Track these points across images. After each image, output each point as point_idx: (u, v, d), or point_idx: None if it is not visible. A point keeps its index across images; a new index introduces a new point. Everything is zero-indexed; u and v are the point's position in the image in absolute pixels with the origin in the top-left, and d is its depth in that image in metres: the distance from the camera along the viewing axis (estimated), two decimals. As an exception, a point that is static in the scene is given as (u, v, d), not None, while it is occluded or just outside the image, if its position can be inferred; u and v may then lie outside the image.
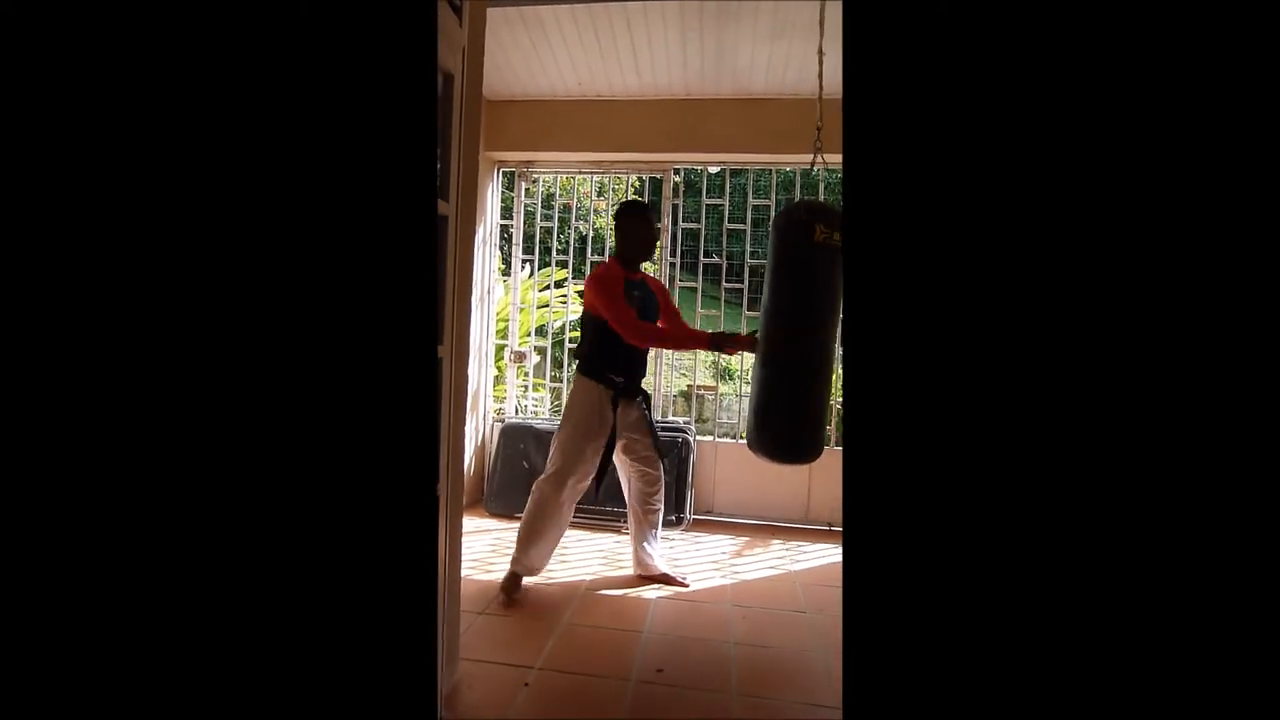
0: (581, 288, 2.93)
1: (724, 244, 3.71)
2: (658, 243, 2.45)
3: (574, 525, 2.97)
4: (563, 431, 2.39)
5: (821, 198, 3.52)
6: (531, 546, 2.35)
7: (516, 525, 2.61)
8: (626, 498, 2.56)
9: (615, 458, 2.46)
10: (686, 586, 2.50)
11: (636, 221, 2.38)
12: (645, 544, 2.55)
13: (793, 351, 1.96)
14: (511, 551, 2.41)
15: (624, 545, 2.98)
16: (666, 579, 2.53)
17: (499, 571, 2.49)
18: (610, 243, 4.63)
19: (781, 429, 2.00)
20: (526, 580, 2.42)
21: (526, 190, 3.78)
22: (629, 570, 2.63)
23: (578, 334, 2.93)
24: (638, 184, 4.56)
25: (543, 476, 2.40)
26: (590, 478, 2.38)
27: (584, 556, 2.86)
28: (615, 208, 2.49)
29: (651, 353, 2.76)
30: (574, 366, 2.45)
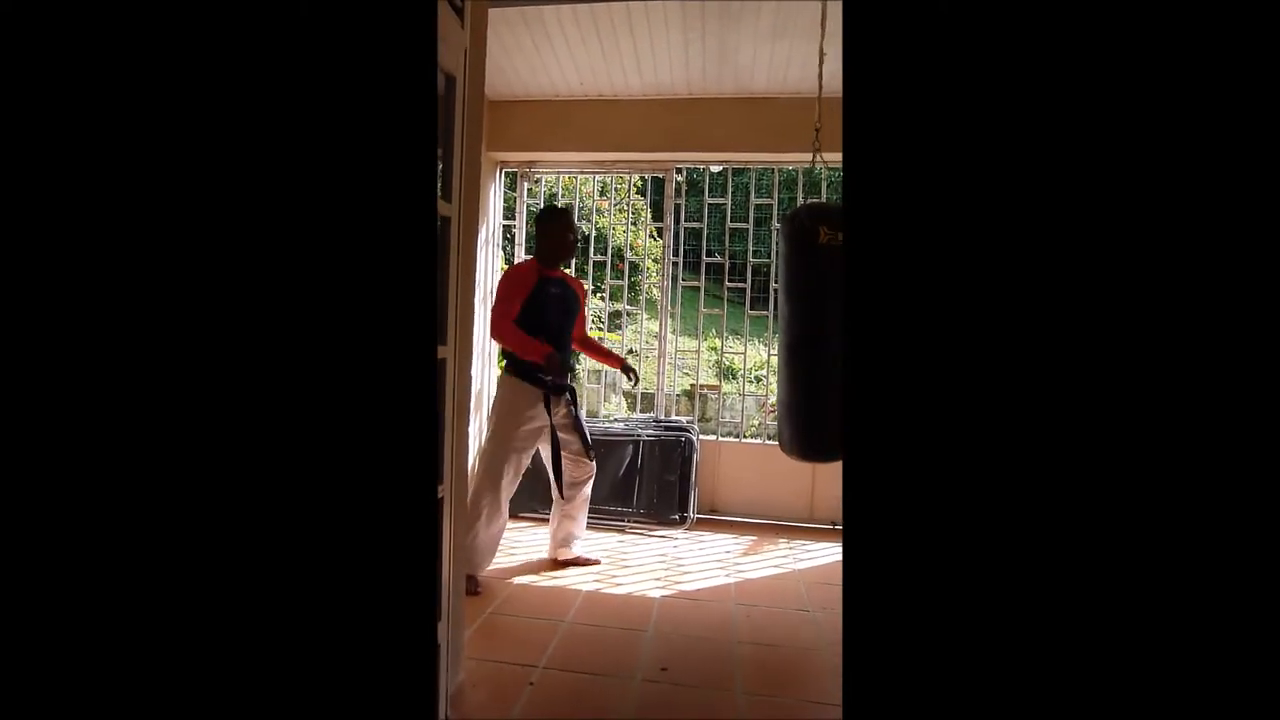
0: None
1: (726, 243, 3.70)
2: (576, 246, 2.63)
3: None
4: (491, 434, 2.45)
5: (824, 197, 3.52)
6: (476, 553, 2.39)
7: (521, 525, 2.62)
8: (554, 491, 2.64)
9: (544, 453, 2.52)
10: (598, 563, 2.70)
11: (555, 226, 2.50)
12: (568, 531, 2.68)
13: (810, 354, 1.97)
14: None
15: (627, 544, 3.01)
16: (581, 560, 2.71)
17: (504, 569, 2.52)
18: (612, 241, 4.64)
19: (803, 429, 2.02)
20: (523, 579, 2.47)
21: (529, 190, 3.79)
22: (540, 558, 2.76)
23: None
24: (640, 183, 4.57)
25: (476, 482, 2.42)
26: (520, 476, 2.46)
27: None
28: (539, 211, 2.66)
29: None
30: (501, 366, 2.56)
